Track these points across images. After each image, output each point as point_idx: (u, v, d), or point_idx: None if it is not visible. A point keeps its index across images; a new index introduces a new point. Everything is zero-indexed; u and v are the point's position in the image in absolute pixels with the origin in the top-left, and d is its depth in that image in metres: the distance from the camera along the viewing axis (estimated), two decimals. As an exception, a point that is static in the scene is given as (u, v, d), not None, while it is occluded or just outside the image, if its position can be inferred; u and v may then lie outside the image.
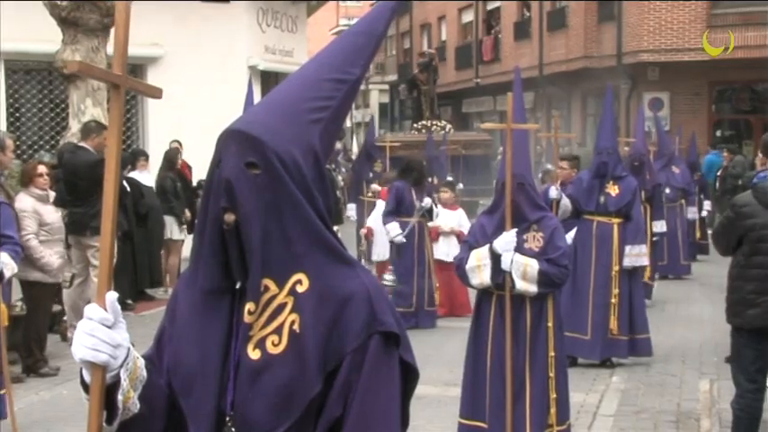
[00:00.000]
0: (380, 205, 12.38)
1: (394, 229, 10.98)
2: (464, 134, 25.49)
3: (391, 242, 11.14)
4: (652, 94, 26.23)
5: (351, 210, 14.89)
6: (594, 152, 9.59)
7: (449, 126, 25.33)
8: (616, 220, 9.25)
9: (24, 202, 8.82)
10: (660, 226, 12.22)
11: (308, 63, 2.24)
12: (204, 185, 2.15)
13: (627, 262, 9.17)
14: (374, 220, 12.36)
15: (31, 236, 8.74)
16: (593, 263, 9.12)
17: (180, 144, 14.00)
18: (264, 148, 2.03)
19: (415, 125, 24.56)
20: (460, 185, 19.18)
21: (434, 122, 24.65)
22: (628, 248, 9.17)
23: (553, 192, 9.20)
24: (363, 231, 12.55)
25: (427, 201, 11.05)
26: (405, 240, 10.94)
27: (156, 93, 2.14)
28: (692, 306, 12.51)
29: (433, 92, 25.61)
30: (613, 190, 9.22)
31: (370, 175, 14.90)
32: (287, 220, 2.03)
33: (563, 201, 9.21)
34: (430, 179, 14.71)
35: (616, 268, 9.15)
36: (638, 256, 9.25)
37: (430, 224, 11.36)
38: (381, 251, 12.23)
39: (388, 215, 11.08)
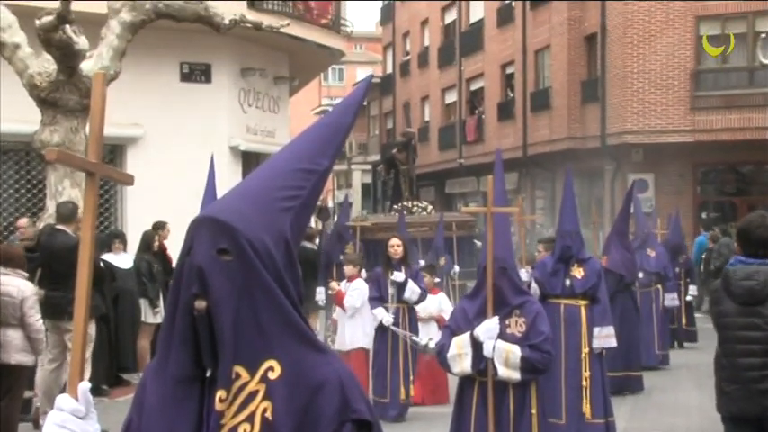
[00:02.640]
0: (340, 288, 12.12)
1: (380, 312, 10.82)
2: (452, 215, 25.34)
3: (380, 326, 10.95)
4: (636, 175, 26.46)
5: (320, 294, 14.59)
6: (557, 235, 9.62)
7: (430, 207, 25.27)
8: (583, 303, 9.29)
9: (28, 285, 8.87)
10: None
11: (280, 153, 2.32)
12: (174, 272, 2.18)
13: (596, 344, 9.18)
14: (338, 311, 12.01)
15: (41, 320, 8.80)
16: (562, 346, 9.13)
17: (162, 226, 13.95)
18: (237, 234, 2.07)
19: (394, 206, 24.51)
20: (456, 268, 18.86)
21: (414, 203, 24.59)
22: (596, 330, 9.18)
23: (524, 274, 9.24)
24: (330, 323, 12.18)
25: (398, 275, 10.77)
26: (392, 319, 10.77)
27: (128, 180, 2.19)
28: (679, 393, 12.46)
29: (413, 172, 25.62)
30: (578, 272, 9.27)
31: (341, 258, 14.77)
32: (259, 306, 2.06)
33: (533, 285, 9.28)
34: (421, 262, 14.60)
35: (585, 350, 9.16)
36: (606, 337, 9.27)
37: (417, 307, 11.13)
38: (345, 340, 11.83)
39: (372, 300, 10.96)
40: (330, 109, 2.54)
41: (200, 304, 2.07)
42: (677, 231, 16.74)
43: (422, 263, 15.95)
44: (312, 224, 24.64)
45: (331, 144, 2.30)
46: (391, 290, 10.73)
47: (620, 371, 11.96)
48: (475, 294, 6.16)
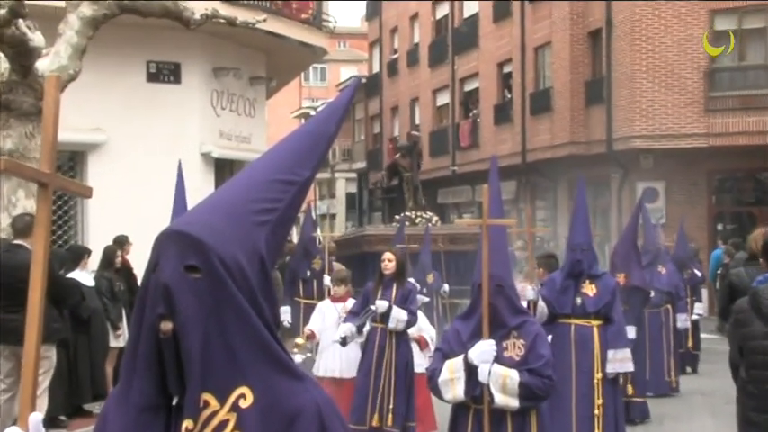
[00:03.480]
0: (325, 307, 12.02)
1: (341, 329, 10.69)
2: (448, 227, 25.23)
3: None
4: (646, 183, 26.51)
5: (285, 313, 14.57)
6: (567, 249, 9.54)
7: (435, 218, 25.14)
8: (595, 323, 9.21)
9: None
10: (630, 332, 12.12)
11: (257, 162, 2.33)
12: (138, 291, 2.19)
13: (610, 368, 9.09)
14: (330, 327, 11.90)
15: None
16: (573, 370, 9.05)
17: (124, 240, 13.95)
18: (206, 250, 2.07)
19: (396, 216, 24.39)
20: (446, 287, 18.76)
21: (419, 213, 24.42)
22: (611, 353, 9.09)
23: (530, 292, 9.18)
24: (307, 332, 12.00)
25: (380, 304, 10.69)
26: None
27: (86, 192, 2.20)
28: (693, 422, 12.46)
29: (417, 179, 25.50)
30: (590, 290, 9.19)
31: (308, 273, 14.79)
32: (229, 328, 2.07)
33: (539, 303, 9.23)
34: (412, 279, 14.57)
35: (599, 375, 9.08)
36: (622, 361, 9.21)
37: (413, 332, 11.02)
38: (329, 365, 11.59)
39: (350, 315, 10.88)
40: (312, 113, 2.54)
41: (166, 326, 2.07)
42: (684, 244, 16.71)
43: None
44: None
45: (313, 154, 2.31)
46: (377, 314, 10.64)
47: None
48: (469, 314, 6.16)
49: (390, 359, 10.76)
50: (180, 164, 9.72)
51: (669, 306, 14.32)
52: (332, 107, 2.43)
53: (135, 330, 2.15)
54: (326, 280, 14.11)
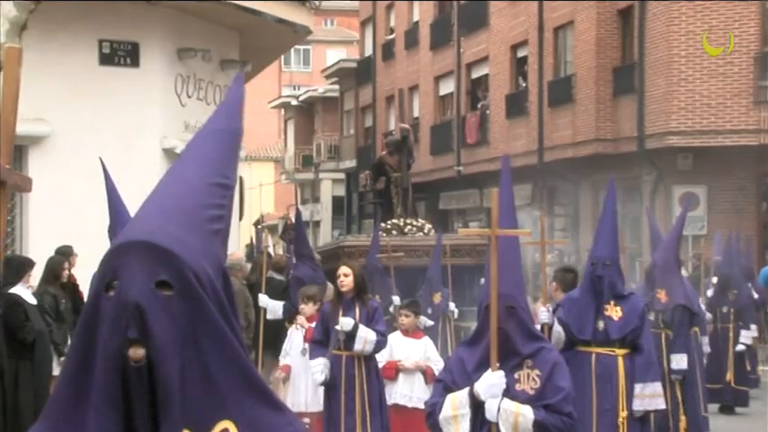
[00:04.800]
0: (297, 336, 12.09)
1: (316, 365, 10.65)
2: (452, 236, 24.95)
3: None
4: (684, 187, 26.47)
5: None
6: (588, 263, 9.49)
7: (428, 226, 24.97)
8: (621, 352, 9.16)
9: None
10: (680, 361, 12.08)
11: (185, 164, 2.35)
12: (84, 312, 2.15)
13: (638, 405, 9.04)
14: (294, 355, 11.99)
15: None
16: (594, 408, 9.02)
17: (70, 251, 13.95)
18: (179, 263, 2.07)
19: (383, 224, 24.17)
20: (453, 307, 18.63)
21: (409, 221, 24.23)
22: (638, 387, 9.05)
23: (544, 315, 9.18)
24: (279, 373, 12.10)
25: (345, 321, 10.48)
26: (324, 379, 10.65)
27: (26, 185, 2.20)
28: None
29: (407, 180, 25.20)
30: (615, 312, 9.12)
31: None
32: (208, 354, 2.07)
33: (555, 327, 9.21)
34: (377, 297, 14.54)
35: (624, 414, 9.04)
36: (651, 396, 9.18)
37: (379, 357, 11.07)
38: (299, 399, 11.70)
39: (315, 346, 10.85)
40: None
41: (138, 353, 2.06)
42: (735, 260, 16.70)
43: (396, 299, 16.05)
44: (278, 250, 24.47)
45: (234, 154, 2.36)
46: (341, 336, 10.60)
47: None
48: (475, 341, 6.16)
49: (362, 391, 10.66)
50: (102, 162, 9.65)
51: (697, 329, 14.32)
52: (228, 104, 2.46)
53: (79, 360, 2.12)
54: (261, 300, 14.03)
